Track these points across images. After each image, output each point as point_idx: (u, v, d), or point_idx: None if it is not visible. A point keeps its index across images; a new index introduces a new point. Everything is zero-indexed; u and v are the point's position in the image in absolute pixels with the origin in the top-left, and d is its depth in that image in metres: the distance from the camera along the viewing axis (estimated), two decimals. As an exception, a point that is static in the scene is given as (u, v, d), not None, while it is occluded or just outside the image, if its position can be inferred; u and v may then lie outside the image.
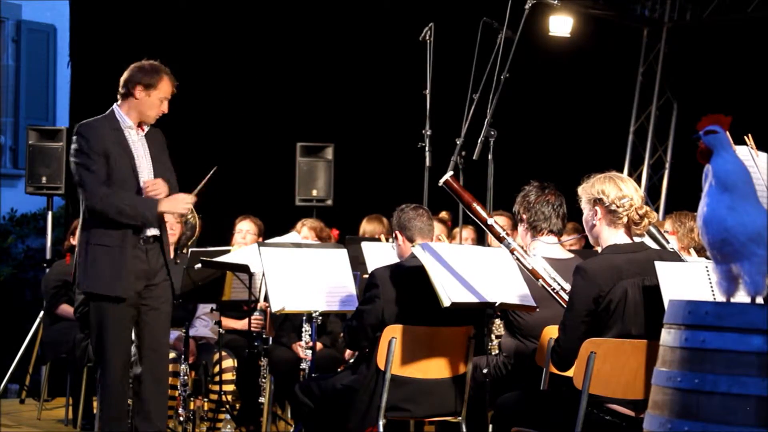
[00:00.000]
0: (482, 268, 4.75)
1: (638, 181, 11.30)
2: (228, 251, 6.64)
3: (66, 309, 7.28)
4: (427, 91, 6.87)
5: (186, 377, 6.25)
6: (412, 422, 5.62)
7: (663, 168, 11.66)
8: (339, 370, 5.93)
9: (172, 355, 6.14)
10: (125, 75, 5.24)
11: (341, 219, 8.63)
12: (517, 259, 4.54)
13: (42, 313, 7.80)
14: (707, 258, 4.21)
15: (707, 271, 3.96)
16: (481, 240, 7.47)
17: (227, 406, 6.45)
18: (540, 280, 4.46)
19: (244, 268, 6.14)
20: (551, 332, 4.48)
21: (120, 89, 5.24)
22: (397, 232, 5.19)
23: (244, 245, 7.12)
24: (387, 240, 6.91)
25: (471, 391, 4.96)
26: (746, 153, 4.23)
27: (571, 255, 5.12)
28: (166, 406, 5.42)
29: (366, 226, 7.76)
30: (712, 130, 3.29)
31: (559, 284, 4.43)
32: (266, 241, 6.50)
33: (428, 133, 6.81)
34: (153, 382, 5.24)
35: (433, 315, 4.73)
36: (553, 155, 10.31)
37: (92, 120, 5.26)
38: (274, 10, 10.02)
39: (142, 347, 5.26)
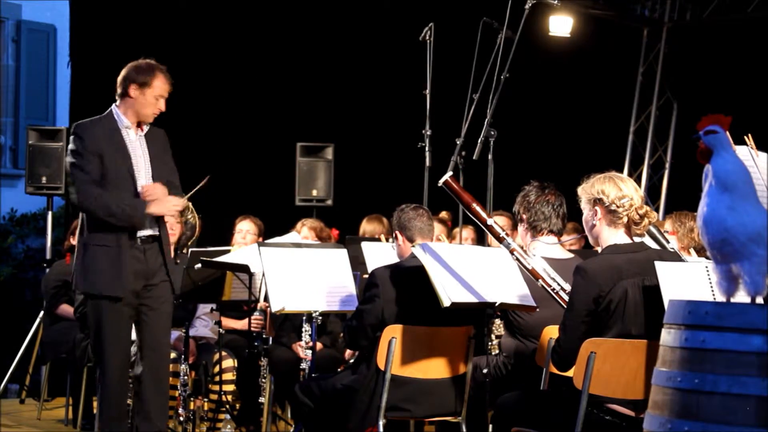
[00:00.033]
0: (482, 268, 4.75)
1: (638, 181, 11.31)
2: (228, 251, 6.64)
3: (66, 309, 7.28)
4: (427, 91, 6.87)
5: (186, 377, 6.25)
6: (412, 422, 5.62)
7: (663, 168, 11.66)
8: (339, 370, 5.93)
9: (172, 355, 6.13)
10: (121, 74, 5.25)
11: (341, 219, 8.63)
12: (517, 259, 4.54)
13: (42, 313, 7.80)
14: (707, 258, 4.21)
15: (707, 271, 3.96)
16: (481, 240, 7.47)
17: (227, 406, 6.45)
18: (540, 280, 4.46)
19: (244, 268, 6.14)
20: (551, 332, 4.48)
21: (117, 89, 5.25)
22: (397, 232, 5.19)
23: (244, 245, 7.13)
24: (387, 240, 6.91)
25: (471, 391, 4.96)
26: (746, 153, 4.23)
27: (571, 255, 5.12)
28: (166, 406, 5.42)
29: (366, 226, 7.76)
30: (712, 130, 3.29)
31: (558, 284, 4.43)
32: (266, 241, 6.50)
33: (428, 133, 6.81)
34: (153, 382, 5.24)
35: (433, 315, 4.73)
36: (553, 155, 10.31)
37: (89, 120, 5.26)
38: (274, 10, 10.02)
39: (142, 347, 5.26)
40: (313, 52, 10.10)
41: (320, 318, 5.66)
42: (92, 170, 5.11)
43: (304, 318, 5.73)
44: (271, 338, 6.84)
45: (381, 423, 4.77)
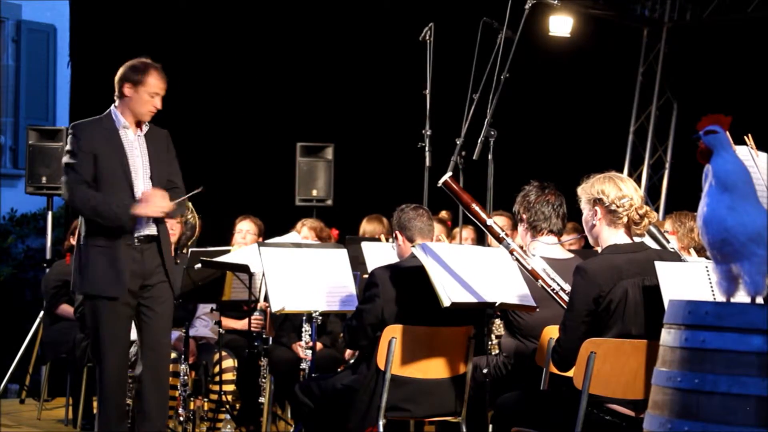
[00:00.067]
0: (482, 268, 4.75)
1: (638, 181, 11.31)
2: (228, 251, 6.64)
3: (66, 309, 7.28)
4: (427, 91, 6.87)
5: (186, 377, 6.25)
6: (412, 422, 5.62)
7: (663, 168, 11.66)
8: (339, 370, 5.93)
9: (172, 355, 6.13)
10: (117, 75, 5.26)
11: (341, 219, 8.63)
12: (517, 259, 4.54)
13: (42, 313, 7.80)
14: (707, 258, 4.21)
15: (707, 271, 3.96)
16: (481, 240, 7.47)
17: (227, 406, 6.45)
18: (539, 280, 4.46)
19: (244, 268, 6.14)
20: (551, 332, 4.48)
21: (115, 89, 5.26)
22: (397, 232, 5.19)
23: (244, 245, 7.13)
24: (387, 240, 6.92)
25: (471, 391, 4.96)
26: (746, 153, 4.23)
27: (571, 255, 5.12)
28: (166, 406, 5.42)
29: (366, 226, 7.76)
30: (712, 130, 3.29)
31: (558, 285, 4.43)
32: (266, 241, 6.50)
33: (428, 133, 6.81)
34: (153, 382, 5.24)
35: (433, 315, 4.73)
36: (553, 155, 10.31)
37: (86, 120, 5.29)
38: (274, 10, 10.03)
39: (142, 347, 5.27)
40: (313, 52, 10.10)
41: (320, 318, 5.66)
42: (84, 170, 5.12)
43: (304, 318, 5.73)
44: (271, 338, 6.84)
45: (381, 423, 4.76)
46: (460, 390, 4.94)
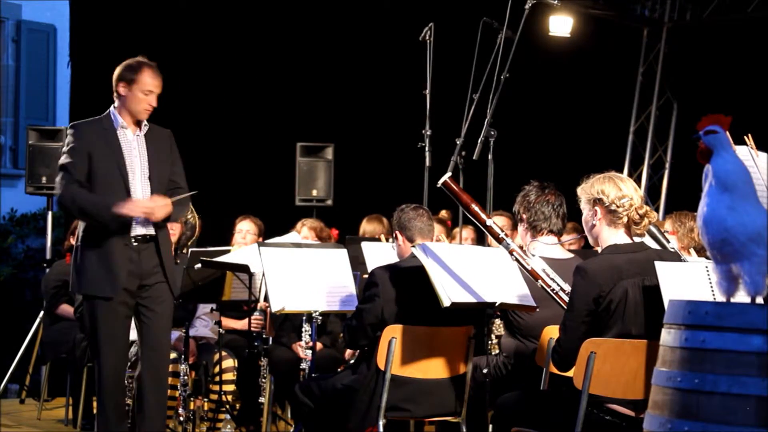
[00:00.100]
0: (482, 268, 4.75)
1: (638, 181, 11.31)
2: (228, 251, 6.64)
3: (66, 309, 7.28)
4: (427, 91, 6.87)
5: (186, 377, 6.25)
6: (412, 422, 5.62)
7: (663, 168, 11.66)
8: (339, 370, 5.93)
9: (172, 355, 6.14)
10: (113, 75, 5.27)
11: (341, 219, 8.63)
12: (516, 260, 4.54)
13: (42, 313, 7.80)
14: (707, 258, 4.21)
15: (707, 271, 3.96)
16: (481, 240, 7.47)
17: (227, 406, 6.45)
18: (539, 280, 4.46)
19: (244, 268, 6.14)
20: (551, 332, 4.48)
21: (113, 89, 5.28)
22: (397, 232, 5.19)
23: (244, 245, 7.12)
24: (387, 240, 6.92)
25: (471, 391, 4.96)
26: (746, 153, 4.23)
27: (571, 255, 5.12)
28: (165, 406, 5.42)
29: (366, 226, 7.76)
30: (712, 130, 3.29)
31: (558, 285, 4.43)
32: (266, 241, 6.50)
33: (428, 133, 6.81)
34: (153, 382, 5.24)
35: (433, 315, 4.73)
36: (553, 155, 10.31)
37: (85, 120, 5.30)
38: (274, 10, 10.03)
39: (141, 347, 5.27)
40: (313, 52, 10.10)
41: (320, 318, 5.66)
42: (77, 170, 5.13)
43: (304, 318, 5.73)
44: (271, 338, 6.84)
45: (381, 423, 4.76)
46: (460, 390, 4.94)
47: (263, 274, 5.69)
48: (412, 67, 7.42)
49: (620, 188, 4.15)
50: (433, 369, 4.88)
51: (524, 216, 5.08)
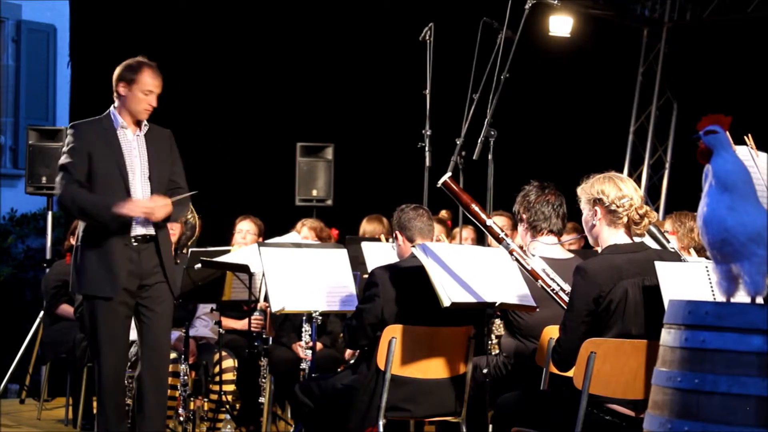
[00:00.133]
0: (482, 268, 4.75)
1: (638, 181, 11.31)
2: (228, 251, 6.64)
3: (66, 309, 7.28)
4: (427, 91, 6.87)
5: (186, 377, 6.25)
6: (412, 422, 5.62)
7: (663, 168, 11.66)
8: (339, 370, 5.93)
9: (172, 355, 6.14)
10: (114, 75, 5.27)
11: (341, 219, 8.63)
12: (516, 260, 4.54)
13: (42, 313, 7.80)
14: (707, 258, 4.21)
15: (707, 271, 3.96)
16: (481, 240, 7.47)
17: (227, 406, 6.45)
18: (539, 281, 4.46)
19: (244, 268, 6.14)
20: (551, 332, 4.48)
21: (113, 90, 5.29)
22: (397, 232, 5.19)
23: (244, 245, 7.12)
24: (387, 240, 6.91)
25: (471, 391, 4.96)
26: (746, 153, 4.23)
27: (571, 255, 5.12)
28: (165, 407, 5.42)
29: (366, 226, 7.76)
30: (712, 130, 3.29)
31: (558, 285, 4.43)
32: (266, 241, 6.50)
33: (428, 133, 6.81)
34: (153, 382, 5.24)
35: (433, 315, 4.73)
36: (553, 155, 10.31)
37: (85, 120, 5.31)
38: (274, 10, 10.03)
39: (141, 347, 5.27)
40: (313, 52, 10.10)
41: (320, 318, 5.66)
42: (77, 170, 5.14)
43: (304, 318, 5.73)
44: (271, 338, 6.83)
45: (381, 423, 4.76)
46: (460, 390, 4.94)
47: (263, 274, 5.69)
48: (412, 67, 7.42)
49: (620, 188, 4.15)
50: (433, 369, 4.88)
51: (524, 216, 5.08)
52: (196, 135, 9.20)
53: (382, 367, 4.77)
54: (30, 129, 8.79)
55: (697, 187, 3.36)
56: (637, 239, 4.26)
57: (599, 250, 4.23)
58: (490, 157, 5.76)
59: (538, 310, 4.73)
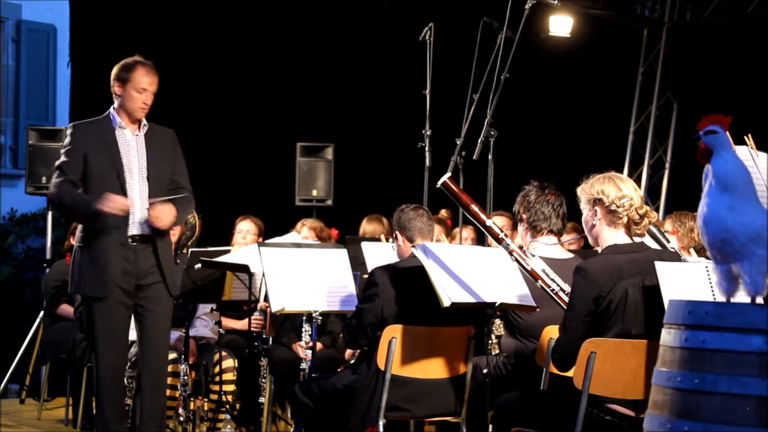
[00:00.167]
0: (482, 268, 4.75)
1: (638, 181, 11.32)
2: (228, 251, 6.64)
3: (66, 309, 7.28)
4: (427, 91, 6.87)
5: (186, 377, 6.25)
6: (412, 422, 5.62)
7: (663, 168, 11.66)
8: (339, 370, 5.93)
9: (172, 355, 6.14)
10: (111, 75, 5.29)
11: (341, 219, 8.63)
12: (516, 260, 4.53)
13: (42, 313, 7.80)
14: (707, 258, 4.21)
15: (707, 271, 3.96)
16: (481, 240, 7.47)
17: (227, 406, 6.45)
18: (539, 281, 4.46)
19: (244, 268, 6.14)
20: (551, 332, 4.48)
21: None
22: (397, 232, 5.19)
23: (244, 245, 7.12)
24: (387, 240, 6.91)
25: (471, 391, 4.96)
26: (746, 153, 4.23)
27: (571, 255, 5.12)
28: (163, 407, 5.41)
29: (366, 226, 7.76)
30: (712, 130, 3.29)
31: (558, 285, 4.43)
32: (266, 241, 6.50)
33: (428, 133, 6.81)
34: (151, 382, 5.25)
35: (433, 315, 4.73)
36: (553, 155, 10.31)
37: (84, 121, 5.33)
38: (274, 10, 10.03)
39: (140, 347, 5.28)
40: (313, 52, 10.10)
41: (320, 318, 5.66)
42: (71, 169, 5.16)
43: (304, 318, 5.73)
44: (271, 338, 6.83)
45: (381, 423, 4.76)
46: (460, 390, 4.94)
47: (263, 274, 5.69)
48: (412, 67, 7.42)
49: (620, 188, 4.15)
50: (433, 369, 4.88)
51: (524, 216, 5.08)
52: (196, 135, 9.18)
53: (382, 367, 4.77)
54: (30, 129, 8.79)
55: (697, 187, 3.36)
56: (637, 239, 4.25)
57: (599, 250, 4.23)
58: (490, 157, 5.76)
59: (538, 310, 4.73)
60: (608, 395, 4.04)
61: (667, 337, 3.21)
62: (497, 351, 5.02)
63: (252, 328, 6.59)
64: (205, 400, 6.57)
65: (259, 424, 6.61)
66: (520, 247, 4.67)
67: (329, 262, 5.74)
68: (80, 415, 7.07)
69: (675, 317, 3.18)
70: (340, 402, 4.95)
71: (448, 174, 4.64)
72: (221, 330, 6.50)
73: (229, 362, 6.53)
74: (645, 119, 11.59)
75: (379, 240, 7.11)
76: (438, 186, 4.64)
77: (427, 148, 6.78)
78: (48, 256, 8.92)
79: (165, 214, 5.15)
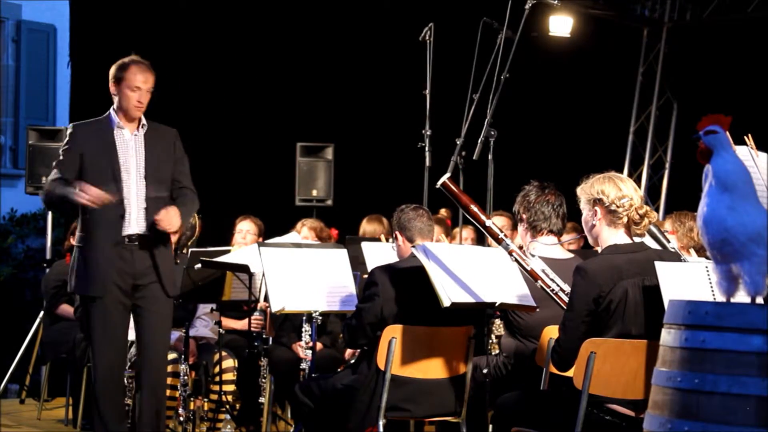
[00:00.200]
0: (482, 268, 4.75)
1: (638, 181, 11.32)
2: (228, 251, 6.64)
3: (66, 309, 7.28)
4: (427, 91, 6.87)
5: (186, 377, 6.25)
6: (412, 422, 5.62)
7: (663, 168, 11.66)
8: (339, 370, 5.93)
9: (172, 355, 6.14)
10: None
11: (341, 219, 8.63)
12: (516, 260, 4.53)
13: (42, 313, 7.80)
14: (707, 258, 4.21)
15: (707, 271, 3.96)
16: (481, 240, 7.47)
17: (227, 406, 6.45)
18: (539, 281, 4.46)
19: (244, 268, 6.14)
20: (551, 332, 4.48)
21: None
22: (397, 232, 5.19)
23: (244, 245, 7.13)
24: (387, 240, 6.91)
25: (471, 391, 4.96)
26: (746, 153, 4.23)
27: (571, 255, 5.12)
28: (164, 407, 5.41)
29: (366, 227, 7.76)
30: (712, 130, 3.29)
31: (558, 285, 4.43)
32: (266, 241, 6.50)
33: (428, 133, 6.80)
34: (150, 382, 5.25)
35: (433, 315, 4.73)
36: (553, 155, 10.31)
37: (84, 121, 5.35)
38: (274, 10, 10.03)
39: (138, 347, 5.29)
40: (313, 52, 10.10)
41: (320, 318, 5.66)
42: (66, 169, 5.18)
43: (304, 318, 5.73)
44: (271, 338, 6.83)
45: (381, 423, 4.76)
46: (460, 390, 4.94)
47: (263, 274, 5.69)
48: (412, 67, 7.42)
49: (620, 188, 4.15)
50: (433, 369, 4.88)
51: (524, 216, 5.08)
52: (196, 135, 9.15)
53: (382, 367, 4.77)
54: (30, 129, 8.79)
55: (697, 187, 3.36)
56: (637, 239, 4.25)
57: (599, 250, 4.23)
58: (490, 157, 5.75)
59: (538, 310, 4.73)
60: (608, 395, 4.04)
61: (667, 337, 3.21)
62: (497, 351, 5.02)
63: (252, 328, 6.59)
64: (205, 400, 6.57)
65: (259, 424, 6.61)
66: (520, 247, 4.67)
67: (329, 262, 5.74)
68: (80, 415, 7.07)
69: (675, 317, 3.18)
70: (340, 402, 4.95)
71: (448, 174, 4.64)
72: (221, 330, 6.50)
73: (229, 362, 6.53)
74: (645, 119, 11.59)
75: (379, 240, 7.11)
76: (437, 187, 4.64)
77: (427, 148, 6.78)
78: (48, 256, 8.93)
79: (171, 218, 5.15)
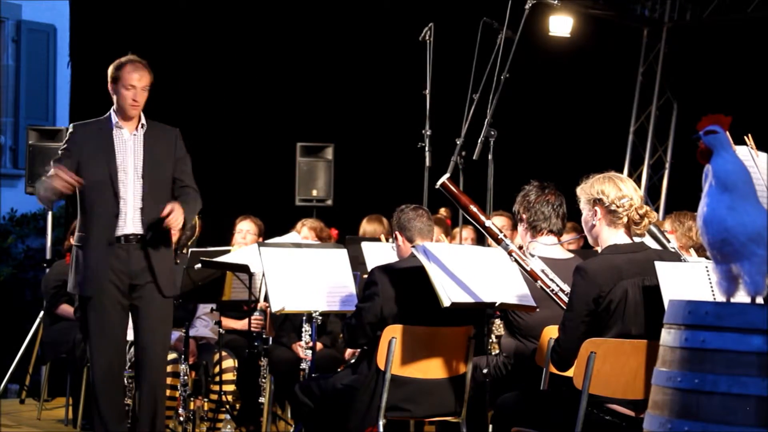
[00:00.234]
0: (482, 268, 4.75)
1: (638, 181, 11.32)
2: (228, 251, 6.64)
3: (66, 309, 7.28)
4: (427, 91, 6.87)
5: (186, 377, 6.25)
6: (412, 422, 5.62)
7: (663, 168, 11.66)
8: (339, 370, 5.93)
9: (172, 355, 6.14)
10: None
11: (341, 219, 8.63)
12: (515, 260, 4.53)
13: (42, 313, 7.80)
14: (707, 258, 4.21)
15: (707, 271, 3.96)
16: (481, 240, 7.46)
17: (227, 406, 6.45)
18: (538, 281, 4.46)
19: (244, 268, 6.14)
20: (551, 332, 4.48)
21: None
22: (396, 232, 5.19)
23: (244, 245, 7.13)
24: (387, 240, 6.91)
25: (471, 391, 4.96)
26: (746, 153, 4.23)
27: (571, 255, 5.12)
28: (163, 407, 5.40)
29: (366, 227, 7.76)
30: (712, 130, 3.29)
31: (557, 285, 4.43)
32: (266, 241, 6.50)
33: (428, 133, 6.81)
34: (146, 382, 5.25)
35: (433, 315, 4.73)
36: (553, 155, 10.31)
37: (84, 121, 5.36)
38: (274, 10, 10.03)
39: (136, 348, 5.29)
40: (313, 52, 10.10)
41: (320, 318, 5.66)
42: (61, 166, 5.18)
43: (304, 318, 5.73)
44: (271, 338, 6.83)
45: (381, 423, 4.76)
46: (460, 390, 4.94)
47: (263, 274, 5.69)
48: (412, 67, 7.42)
49: (620, 188, 4.15)
50: (433, 369, 4.88)
51: (524, 216, 5.08)
52: (196, 135, 9.14)
53: (382, 367, 4.77)
54: (30, 129, 8.80)
55: (697, 187, 3.36)
56: (637, 239, 4.25)
57: (599, 250, 4.23)
58: (490, 157, 5.75)
59: (538, 310, 4.73)
60: (608, 395, 4.04)
61: (667, 337, 3.21)
62: (497, 351, 5.02)
63: (252, 328, 6.59)
64: (205, 400, 6.57)
65: (259, 424, 6.61)
66: (520, 248, 4.67)
67: (329, 262, 5.75)
68: (80, 415, 7.07)
69: (675, 317, 3.18)
70: (340, 402, 4.95)
71: (447, 175, 4.64)
72: (221, 330, 6.50)
73: (229, 362, 6.53)
74: (645, 119, 11.59)
75: (379, 240, 7.11)
76: (437, 187, 4.64)
77: (427, 148, 6.78)
78: (48, 256, 8.93)
79: (176, 216, 5.16)
